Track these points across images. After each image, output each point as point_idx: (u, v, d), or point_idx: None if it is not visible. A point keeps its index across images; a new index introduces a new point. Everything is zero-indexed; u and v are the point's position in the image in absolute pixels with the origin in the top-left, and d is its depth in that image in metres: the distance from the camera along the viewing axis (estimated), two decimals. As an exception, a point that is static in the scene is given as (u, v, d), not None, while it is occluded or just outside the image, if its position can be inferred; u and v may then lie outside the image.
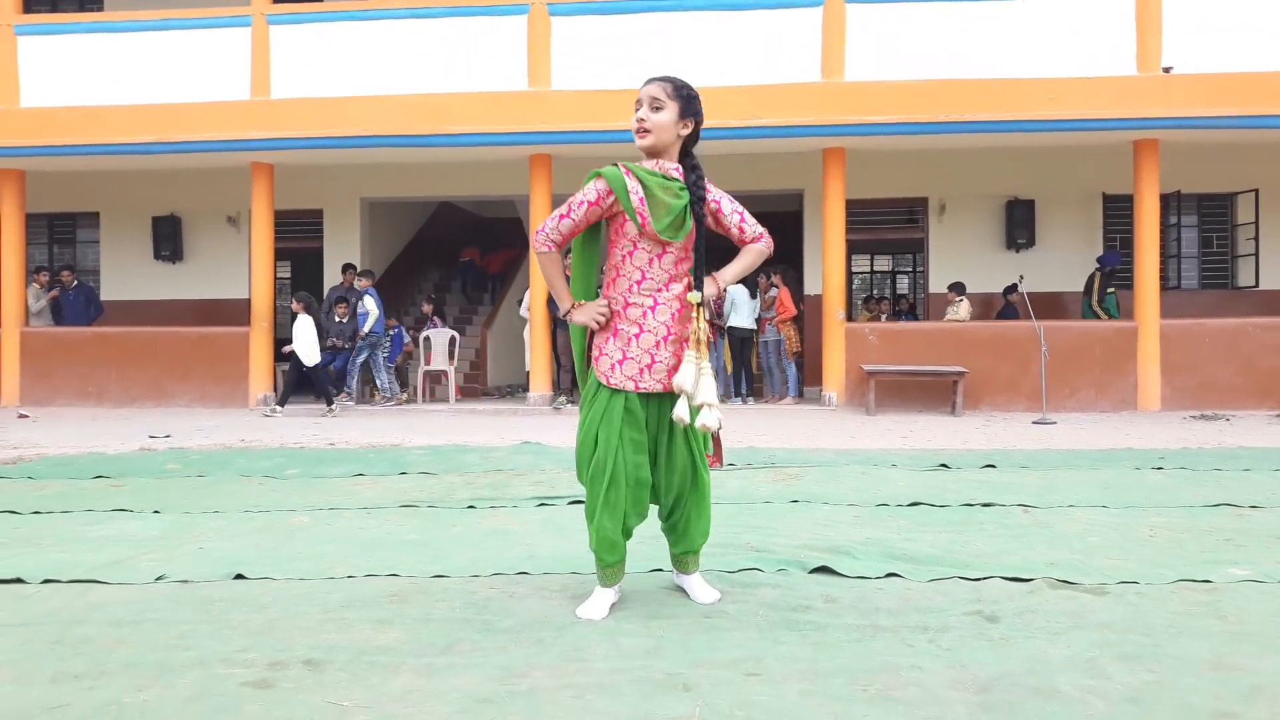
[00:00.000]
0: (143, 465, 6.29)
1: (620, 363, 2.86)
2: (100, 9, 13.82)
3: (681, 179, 2.88)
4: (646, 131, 2.86)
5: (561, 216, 2.87)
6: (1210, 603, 3.00)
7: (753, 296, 11.67)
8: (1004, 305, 12.08)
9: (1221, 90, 9.87)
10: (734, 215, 2.97)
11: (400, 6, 11.05)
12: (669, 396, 2.87)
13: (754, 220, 3.01)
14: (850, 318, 11.70)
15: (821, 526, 4.12)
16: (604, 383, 2.87)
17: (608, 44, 10.53)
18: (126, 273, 13.70)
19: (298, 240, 13.85)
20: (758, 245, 2.99)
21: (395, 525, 4.25)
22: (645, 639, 2.64)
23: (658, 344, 2.86)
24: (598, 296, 2.99)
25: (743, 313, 11.61)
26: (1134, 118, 9.99)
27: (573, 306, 2.95)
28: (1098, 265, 11.60)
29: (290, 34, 10.90)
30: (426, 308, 13.03)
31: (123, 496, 5.07)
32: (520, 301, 12.22)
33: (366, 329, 11.28)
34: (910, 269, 19.60)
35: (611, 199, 2.85)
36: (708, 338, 2.90)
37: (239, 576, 3.32)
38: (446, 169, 12.86)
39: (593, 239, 2.98)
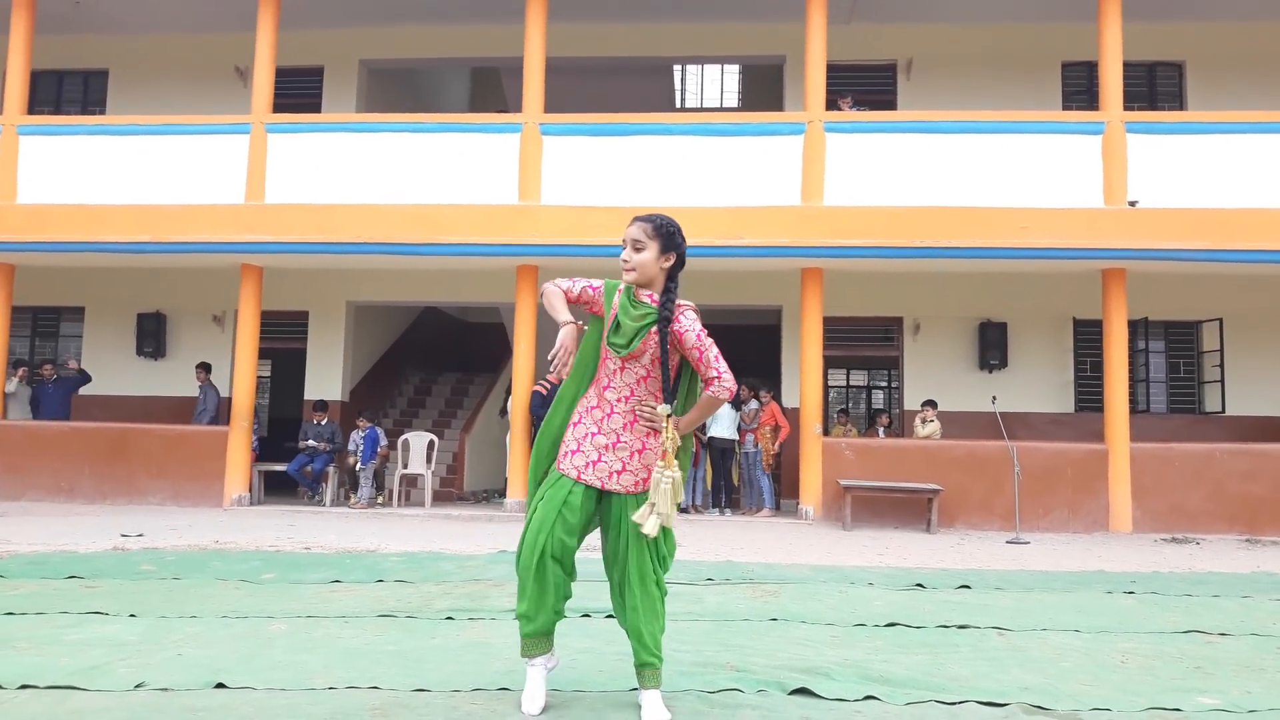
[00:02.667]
0: (117, 566, 6.23)
1: (574, 452, 3.15)
2: (103, 111, 14.15)
3: (653, 304, 3.15)
4: (632, 269, 3.17)
5: (569, 280, 3.27)
6: (1180, 732, 3.06)
7: (734, 408, 11.80)
8: None
9: (1185, 224, 10.28)
10: (694, 350, 3.12)
11: (397, 120, 11.43)
12: (613, 496, 3.14)
13: (714, 359, 3.10)
14: (827, 431, 11.85)
15: (800, 646, 4.15)
16: (557, 465, 3.17)
17: (596, 163, 10.89)
18: (107, 368, 13.67)
19: (282, 341, 13.93)
20: (708, 392, 3.13)
21: (374, 635, 4.25)
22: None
23: (607, 447, 3.14)
24: (589, 388, 3.27)
25: (723, 424, 11.73)
26: (1101, 248, 10.37)
27: (573, 323, 3.18)
28: None
29: (288, 142, 11.21)
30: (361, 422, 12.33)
31: (97, 598, 5.02)
32: (504, 403, 12.28)
33: None
34: (885, 384, 19.86)
35: (599, 296, 3.21)
36: (676, 448, 3.13)
37: (220, 685, 3.32)
38: (434, 275, 13.07)
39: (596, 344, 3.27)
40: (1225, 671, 3.90)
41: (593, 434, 3.15)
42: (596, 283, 3.25)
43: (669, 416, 3.12)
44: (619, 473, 3.13)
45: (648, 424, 3.16)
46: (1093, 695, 3.45)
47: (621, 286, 3.20)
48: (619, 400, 3.16)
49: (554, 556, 3.07)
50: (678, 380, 3.22)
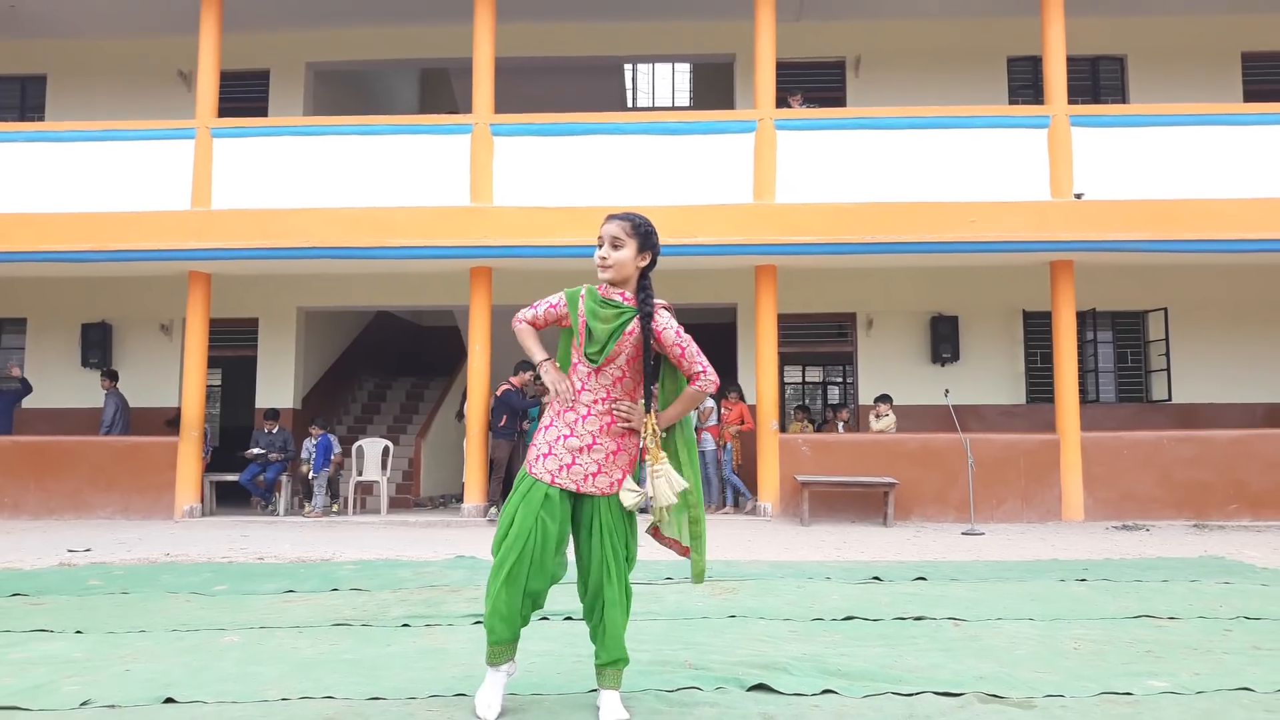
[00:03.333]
0: (63, 582, 6.09)
1: (545, 456, 3.12)
2: (42, 118, 13.85)
3: (630, 303, 3.15)
4: (609, 267, 3.16)
5: (530, 308, 3.29)
6: (1131, 715, 3.10)
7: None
8: None
9: (1129, 216, 10.46)
10: (675, 347, 3.16)
11: (345, 123, 11.30)
12: (587, 497, 3.13)
13: (695, 356, 3.16)
14: (783, 428, 11.90)
15: (758, 642, 4.16)
16: (528, 470, 3.13)
17: (548, 164, 10.83)
18: (52, 380, 13.38)
19: (232, 349, 13.72)
20: (692, 389, 3.19)
21: (329, 645, 4.19)
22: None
23: (581, 449, 3.11)
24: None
25: (680, 423, 11.72)
26: (1048, 240, 10.51)
27: (549, 360, 3.25)
28: None
29: (234, 146, 11.02)
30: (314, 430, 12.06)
31: (42, 615, 4.91)
32: (461, 407, 12.17)
33: None
34: (840, 380, 20.00)
35: (564, 308, 3.21)
36: (659, 441, 3.17)
37: (169, 700, 3.25)
38: (386, 279, 12.95)
39: (566, 351, 3.31)
40: (1174, 654, 3.97)
41: (565, 436, 3.12)
42: (555, 298, 3.26)
43: (649, 413, 3.16)
44: (594, 475, 3.11)
45: (624, 424, 3.16)
46: (1046, 682, 3.49)
47: (583, 292, 3.20)
48: (595, 402, 3.15)
49: (533, 562, 3.03)
50: (657, 373, 3.23)
